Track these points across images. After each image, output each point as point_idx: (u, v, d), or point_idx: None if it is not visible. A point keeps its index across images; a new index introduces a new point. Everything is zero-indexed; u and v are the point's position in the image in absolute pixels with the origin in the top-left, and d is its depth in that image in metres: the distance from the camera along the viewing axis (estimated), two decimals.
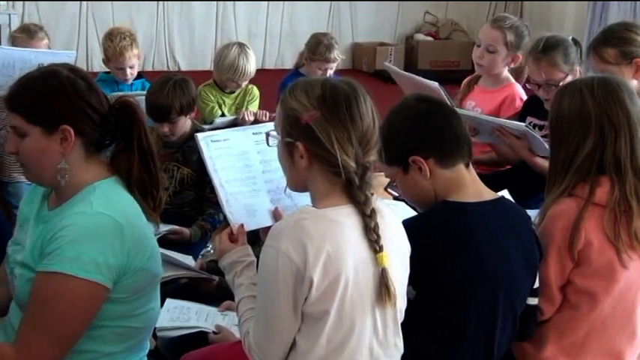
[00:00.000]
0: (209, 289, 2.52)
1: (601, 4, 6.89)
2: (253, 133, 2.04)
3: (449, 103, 2.64)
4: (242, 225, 1.86)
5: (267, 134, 1.73)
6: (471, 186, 1.83)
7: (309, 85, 1.60)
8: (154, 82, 3.04)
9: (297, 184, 1.67)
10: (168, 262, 2.36)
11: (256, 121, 3.83)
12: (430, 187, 1.82)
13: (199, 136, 2.00)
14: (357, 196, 1.56)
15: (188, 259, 2.63)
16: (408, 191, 1.89)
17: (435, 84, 2.92)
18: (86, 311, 1.63)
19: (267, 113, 3.87)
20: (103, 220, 1.64)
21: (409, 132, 1.82)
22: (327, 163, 1.56)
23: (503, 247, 1.81)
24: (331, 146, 1.54)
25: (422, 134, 1.81)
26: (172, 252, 2.55)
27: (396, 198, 2.20)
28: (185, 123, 3.01)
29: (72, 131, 1.67)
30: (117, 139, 1.75)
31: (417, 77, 3.06)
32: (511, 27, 3.12)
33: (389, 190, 1.92)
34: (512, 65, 3.20)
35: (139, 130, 1.75)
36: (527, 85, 2.96)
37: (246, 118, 3.80)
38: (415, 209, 2.01)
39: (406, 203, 2.09)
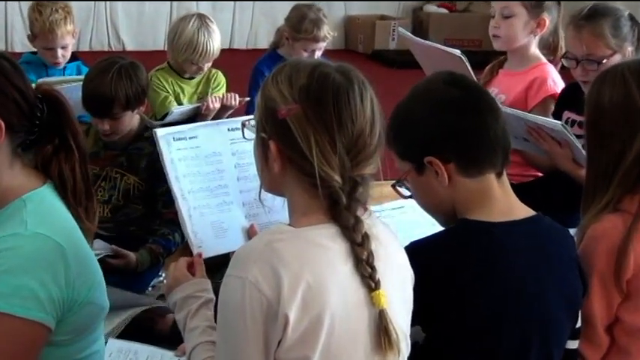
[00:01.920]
0: (163, 327, 2.52)
1: None
2: (229, 129, 2.05)
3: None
4: (201, 254, 1.85)
5: (244, 124, 1.75)
6: (500, 201, 1.82)
7: (297, 70, 1.60)
8: (94, 67, 3.04)
9: (271, 187, 1.69)
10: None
11: (223, 109, 3.84)
12: (448, 196, 1.82)
13: (159, 132, 2.00)
14: (343, 218, 1.55)
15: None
16: (420, 196, 1.89)
17: (457, 52, 2.93)
18: (24, 358, 1.63)
19: (237, 96, 3.89)
20: (42, 243, 1.64)
21: (428, 124, 1.80)
22: (302, 172, 1.57)
23: (539, 281, 1.81)
24: (309, 151, 1.54)
25: (443, 131, 1.79)
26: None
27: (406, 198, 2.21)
28: (131, 119, 3.02)
29: (1, 124, 1.68)
30: (45, 137, 1.75)
31: (436, 45, 3.08)
32: None
33: (397, 188, 1.93)
34: (538, 32, 3.22)
35: (72, 127, 1.76)
36: (563, 61, 2.97)
37: (211, 106, 3.79)
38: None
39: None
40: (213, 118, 3.72)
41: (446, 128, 1.79)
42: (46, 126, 1.74)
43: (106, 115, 2.94)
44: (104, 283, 1.81)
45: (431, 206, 1.88)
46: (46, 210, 1.69)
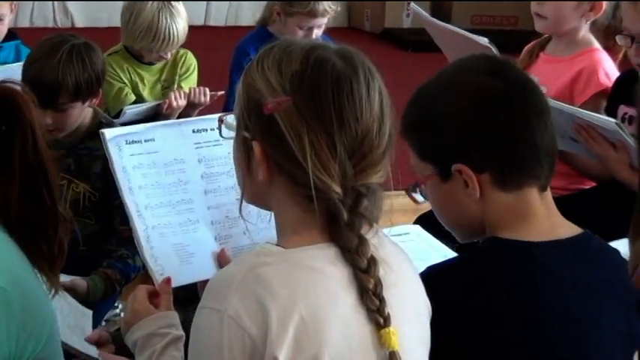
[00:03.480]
0: None
1: None
2: (194, 131, 2.06)
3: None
4: (168, 279, 1.86)
5: (221, 120, 1.77)
6: (541, 219, 1.83)
7: (288, 53, 1.61)
8: (38, 46, 3.04)
9: (255, 198, 1.69)
10: None
11: (191, 106, 3.84)
12: (477, 211, 1.83)
13: (107, 134, 2.01)
14: (344, 238, 1.55)
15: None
16: (441, 206, 1.90)
17: (484, 40, 2.95)
18: None
19: (207, 91, 3.88)
20: None
21: (461, 124, 1.80)
22: (294, 181, 1.57)
23: (588, 315, 1.81)
24: (302, 155, 1.53)
25: (480, 133, 1.79)
26: None
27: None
28: (81, 113, 3.02)
29: None
30: None
31: (456, 30, 3.12)
32: None
33: (412, 194, 1.92)
34: (591, 17, 3.24)
35: (25, 135, 1.74)
36: (617, 38, 2.99)
37: (174, 103, 3.80)
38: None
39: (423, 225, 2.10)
40: (178, 117, 3.72)
41: (483, 130, 1.79)
42: None
43: (50, 106, 2.92)
44: (59, 334, 1.80)
45: (452, 219, 1.89)
46: None
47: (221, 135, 1.76)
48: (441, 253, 1.97)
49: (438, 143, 1.82)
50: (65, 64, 2.91)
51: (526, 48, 3.43)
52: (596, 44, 3.26)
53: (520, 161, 1.80)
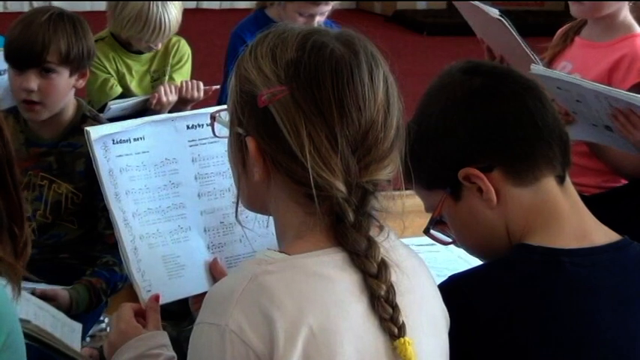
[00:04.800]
0: None
1: None
2: (188, 127, 2.06)
3: (526, 52, 2.65)
4: (157, 295, 1.87)
5: (213, 116, 1.79)
6: (570, 219, 1.83)
7: (283, 40, 1.61)
8: (21, 16, 3.07)
9: (252, 202, 1.70)
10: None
11: (182, 102, 3.83)
12: (499, 219, 1.84)
13: (92, 133, 2.01)
14: (351, 241, 1.56)
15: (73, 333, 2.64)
16: (464, 231, 1.90)
17: (495, 12, 2.98)
18: None
19: (202, 85, 3.87)
20: None
21: (454, 128, 1.84)
22: (292, 179, 1.57)
23: (628, 332, 1.80)
24: (299, 150, 1.54)
25: (472, 130, 1.83)
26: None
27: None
28: (66, 89, 3.04)
29: None
30: None
31: (475, 3, 3.13)
32: None
33: (432, 232, 1.92)
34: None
35: None
36: None
37: (164, 99, 3.82)
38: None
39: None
40: (170, 112, 3.71)
41: (476, 124, 1.83)
42: None
43: (36, 64, 2.95)
44: (22, 337, 1.81)
45: (479, 239, 1.89)
46: None
47: (214, 134, 1.76)
48: (470, 263, 1.96)
49: (436, 160, 1.85)
50: (56, 22, 2.97)
51: (560, 31, 3.42)
52: (638, 29, 3.24)
53: (526, 145, 1.82)
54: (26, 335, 1.88)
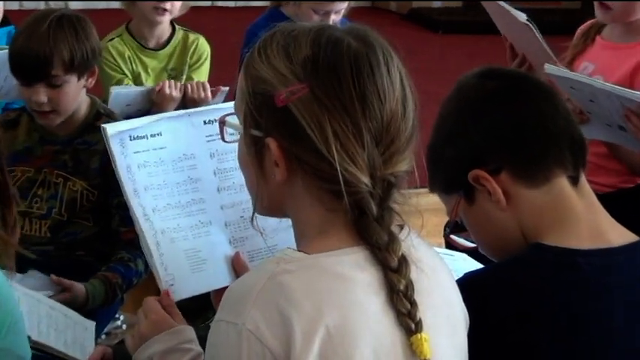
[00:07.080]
0: None
1: None
2: (205, 122, 2.05)
3: (549, 55, 2.64)
4: (166, 292, 1.88)
5: (222, 122, 1.75)
6: (585, 219, 1.83)
7: (295, 38, 1.60)
8: (24, 22, 3.05)
9: (270, 205, 1.68)
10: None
11: (190, 101, 3.81)
12: (511, 222, 1.84)
13: (109, 129, 1.99)
14: (373, 234, 1.55)
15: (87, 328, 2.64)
16: (478, 231, 1.92)
17: (523, 17, 2.95)
18: None
19: (207, 85, 3.86)
20: None
21: (465, 131, 1.85)
22: (318, 176, 1.56)
23: None
24: (325, 146, 1.53)
25: (486, 130, 1.83)
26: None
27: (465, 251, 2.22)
28: (77, 94, 3.02)
29: None
30: None
31: (503, 4, 3.11)
32: None
33: (452, 237, 1.94)
34: None
35: None
36: None
37: (167, 91, 3.79)
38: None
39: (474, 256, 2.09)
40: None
41: (485, 125, 1.84)
42: None
43: (42, 78, 2.93)
44: (23, 324, 1.81)
45: (494, 241, 1.90)
46: None
47: (224, 139, 1.75)
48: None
49: (450, 163, 1.86)
50: (55, 31, 2.92)
51: (580, 30, 3.37)
52: None
53: (535, 147, 1.83)
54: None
